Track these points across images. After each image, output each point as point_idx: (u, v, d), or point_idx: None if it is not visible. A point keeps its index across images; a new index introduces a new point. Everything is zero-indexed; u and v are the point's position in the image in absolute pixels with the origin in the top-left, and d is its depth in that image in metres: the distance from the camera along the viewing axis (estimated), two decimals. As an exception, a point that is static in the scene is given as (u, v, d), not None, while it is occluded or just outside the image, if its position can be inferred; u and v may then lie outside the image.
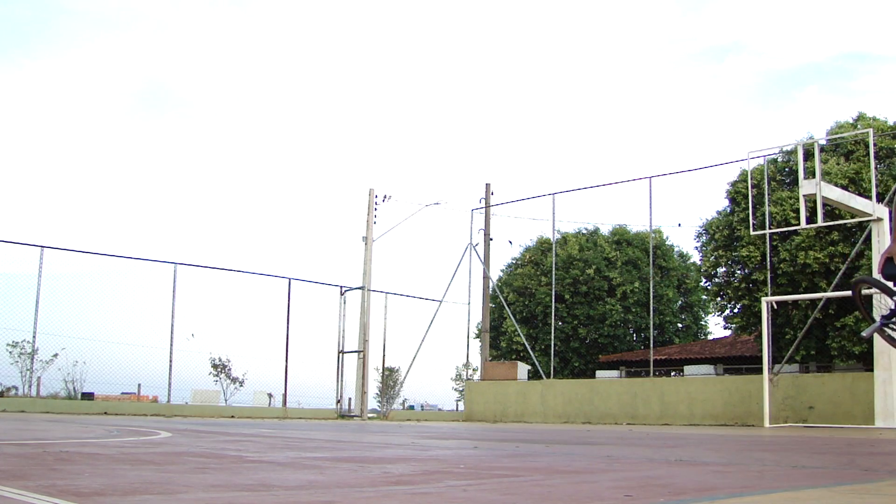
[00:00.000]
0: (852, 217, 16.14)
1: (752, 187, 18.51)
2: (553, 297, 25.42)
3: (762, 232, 18.63)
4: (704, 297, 29.06)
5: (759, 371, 16.13)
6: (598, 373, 25.16)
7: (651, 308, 22.98)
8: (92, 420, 11.65)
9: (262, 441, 5.44)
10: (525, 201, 25.29)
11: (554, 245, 26.83)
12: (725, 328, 25.14)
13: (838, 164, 20.06)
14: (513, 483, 2.60)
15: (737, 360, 28.49)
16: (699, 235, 23.51)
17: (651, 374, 22.29)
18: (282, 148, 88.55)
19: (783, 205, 19.86)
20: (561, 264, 30.70)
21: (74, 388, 22.20)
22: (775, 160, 21.61)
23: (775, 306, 19.21)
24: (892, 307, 4.64)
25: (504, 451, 4.73)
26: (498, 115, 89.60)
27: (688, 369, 23.30)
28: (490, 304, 26.58)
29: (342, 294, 24.77)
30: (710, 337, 35.59)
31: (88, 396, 22.40)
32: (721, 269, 22.80)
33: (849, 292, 17.58)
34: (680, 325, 35.77)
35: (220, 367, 31.58)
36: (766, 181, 19.68)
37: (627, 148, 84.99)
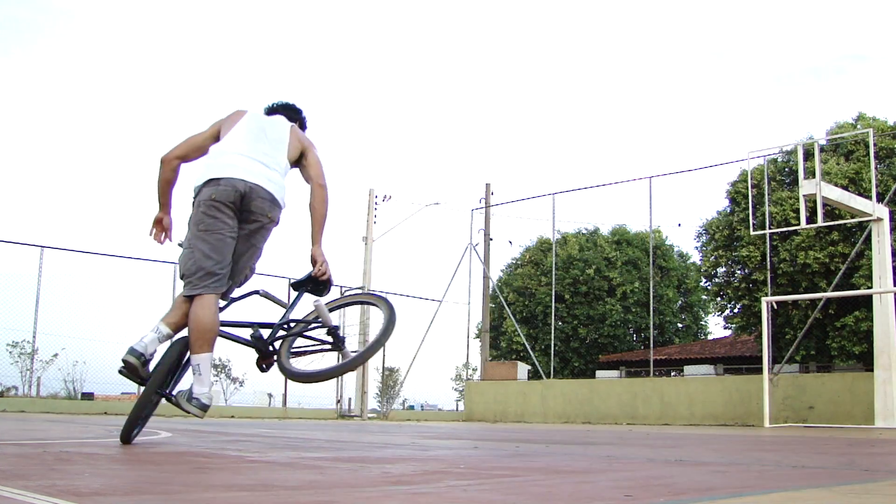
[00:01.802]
0: (852, 217, 16.14)
1: (752, 187, 18.51)
2: (553, 297, 25.42)
3: (762, 232, 18.63)
4: (704, 297, 29.07)
5: (759, 371, 16.13)
6: (598, 373, 25.17)
7: (651, 308, 22.99)
8: (92, 420, 11.65)
9: (262, 441, 5.44)
10: (525, 201, 25.31)
11: (554, 245, 26.84)
12: (725, 328, 25.15)
13: (838, 164, 20.06)
14: (513, 483, 2.60)
15: (737, 360, 28.49)
16: (699, 235, 23.52)
17: (651, 374, 22.29)
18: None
19: (783, 205, 19.86)
20: (561, 264, 30.70)
21: (74, 388, 22.18)
22: (775, 160, 21.62)
23: (775, 306, 19.21)
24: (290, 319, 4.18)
25: (504, 451, 4.73)
26: (498, 115, 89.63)
27: (688, 369, 23.31)
28: (490, 304, 26.58)
29: (342, 294, 24.76)
30: (710, 337, 35.61)
31: (88, 396, 22.38)
32: (721, 269, 22.80)
33: (850, 292, 17.64)
34: (680, 325, 35.79)
35: (220, 368, 31.59)
36: (766, 181, 19.68)
37: (627, 148, 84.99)
